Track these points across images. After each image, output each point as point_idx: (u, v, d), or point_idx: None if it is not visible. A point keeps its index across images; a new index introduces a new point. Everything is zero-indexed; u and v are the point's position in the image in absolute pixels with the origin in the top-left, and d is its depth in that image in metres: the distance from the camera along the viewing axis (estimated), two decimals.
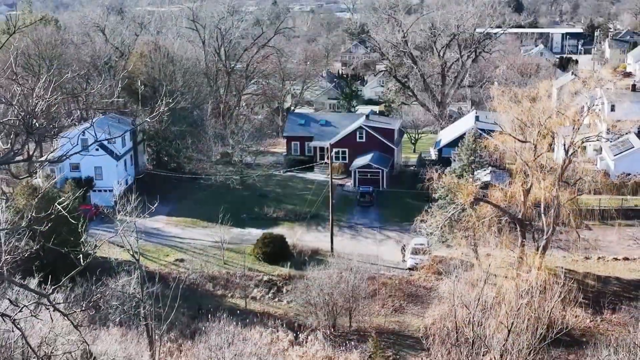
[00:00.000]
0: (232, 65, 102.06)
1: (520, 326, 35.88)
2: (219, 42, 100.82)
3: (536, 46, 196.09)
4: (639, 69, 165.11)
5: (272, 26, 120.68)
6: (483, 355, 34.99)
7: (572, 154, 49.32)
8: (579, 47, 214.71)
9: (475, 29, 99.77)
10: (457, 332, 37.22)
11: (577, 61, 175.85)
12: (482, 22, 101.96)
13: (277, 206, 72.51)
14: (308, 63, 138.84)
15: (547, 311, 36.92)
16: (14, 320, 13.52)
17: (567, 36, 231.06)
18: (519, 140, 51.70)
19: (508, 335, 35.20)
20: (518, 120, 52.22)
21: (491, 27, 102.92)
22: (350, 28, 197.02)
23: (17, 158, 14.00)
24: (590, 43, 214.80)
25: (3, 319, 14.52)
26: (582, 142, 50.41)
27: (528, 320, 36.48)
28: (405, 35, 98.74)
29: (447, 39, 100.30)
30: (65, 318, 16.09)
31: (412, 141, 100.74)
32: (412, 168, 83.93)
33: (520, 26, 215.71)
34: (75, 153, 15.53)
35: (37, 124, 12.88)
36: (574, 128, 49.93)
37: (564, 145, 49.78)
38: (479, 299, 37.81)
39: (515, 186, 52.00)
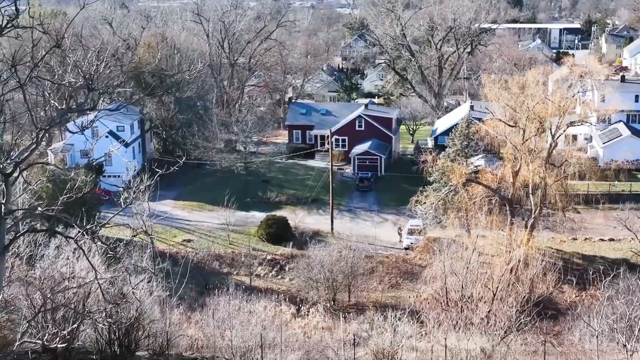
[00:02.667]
0: (236, 58, 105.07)
1: (505, 290, 39.00)
2: (222, 35, 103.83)
3: (534, 41, 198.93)
4: (635, 63, 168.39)
5: (274, 21, 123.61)
6: (470, 318, 38.06)
7: (558, 137, 52.42)
8: (576, 42, 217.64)
9: (471, 23, 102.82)
10: (447, 297, 40.34)
11: (573, 55, 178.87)
12: (478, 16, 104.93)
13: (280, 191, 75.77)
14: (309, 57, 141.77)
15: (530, 277, 40.06)
16: (77, 240, 16.51)
17: (565, 31, 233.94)
18: (508, 125, 54.82)
19: (493, 298, 38.36)
20: (508, 106, 55.31)
21: (486, 21, 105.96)
22: (350, 23, 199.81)
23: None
24: (587, 38, 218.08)
25: (67, 240, 17.50)
26: (568, 126, 53.50)
27: (513, 285, 39.63)
28: (404, 28, 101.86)
29: (444, 32, 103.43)
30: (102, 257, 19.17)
31: (410, 132, 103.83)
32: (409, 156, 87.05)
33: (517, 21, 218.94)
34: (124, 106, 18.70)
35: (95, 84, 15.91)
36: (560, 113, 53.01)
37: (551, 129, 52.89)
38: (467, 267, 40.97)
39: (505, 168, 55.14)
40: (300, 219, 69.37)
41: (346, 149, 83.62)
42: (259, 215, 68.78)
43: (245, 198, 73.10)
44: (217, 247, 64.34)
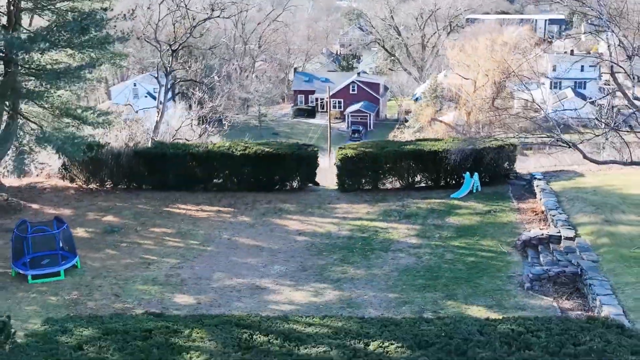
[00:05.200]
0: (248, 37, 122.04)
1: None
2: (236, 18, 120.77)
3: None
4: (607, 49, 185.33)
5: (279, 7, 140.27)
6: None
7: (499, 85, 69.57)
8: (556, 31, 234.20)
9: (450, 8, 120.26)
10: None
11: (551, 42, 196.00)
12: (455, 2, 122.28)
13: (287, 141, 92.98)
14: (310, 40, 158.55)
15: None
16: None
17: (549, 22, 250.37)
18: (464, 78, 71.93)
19: None
20: (464, 64, 72.48)
21: (462, 6, 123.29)
22: (348, 13, 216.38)
23: None
24: (570, 28, 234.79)
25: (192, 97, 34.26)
26: (507, 77, 70.57)
27: None
28: (392, 11, 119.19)
29: (427, 15, 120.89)
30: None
31: (399, 104, 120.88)
32: (394, 117, 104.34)
33: (506, 13, 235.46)
34: None
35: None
36: (502, 68, 70.07)
37: (495, 80, 70.01)
38: None
39: (460, 110, 72.32)
40: None
41: (342, 109, 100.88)
42: None
43: None
44: None
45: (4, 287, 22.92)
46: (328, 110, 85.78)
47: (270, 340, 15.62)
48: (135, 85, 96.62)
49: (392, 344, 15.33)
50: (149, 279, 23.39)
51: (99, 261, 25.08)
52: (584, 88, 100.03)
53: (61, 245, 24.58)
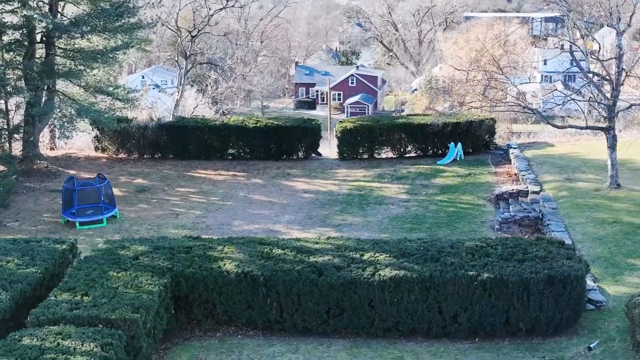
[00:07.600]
0: (250, 32, 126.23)
1: None
2: (240, 14, 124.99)
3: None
4: (603, 46, 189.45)
5: (278, 7, 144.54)
6: None
7: (489, 77, 73.79)
8: (551, 29, 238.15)
9: (445, 5, 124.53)
10: None
11: (545, 39, 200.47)
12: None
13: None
14: (310, 37, 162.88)
15: None
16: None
17: (544, 19, 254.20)
18: (456, 69, 76.13)
19: None
20: (457, 56, 76.75)
21: (460, 6, 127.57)
22: (347, 11, 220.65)
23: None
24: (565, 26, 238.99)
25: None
26: (498, 69, 74.76)
27: None
28: (390, 7, 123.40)
29: (424, 12, 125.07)
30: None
31: (395, 95, 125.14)
32: (392, 109, 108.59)
33: (502, 10, 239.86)
34: None
35: None
36: (490, 60, 74.31)
37: (486, 72, 74.18)
38: None
39: (453, 100, 76.59)
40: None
41: (341, 101, 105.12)
42: None
43: None
44: None
45: (57, 232, 27.18)
46: (328, 102, 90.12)
47: (286, 252, 19.85)
48: (143, 77, 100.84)
49: (381, 254, 19.55)
50: (179, 225, 27.67)
51: (134, 213, 29.35)
52: (574, 81, 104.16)
53: (102, 198, 28.80)
